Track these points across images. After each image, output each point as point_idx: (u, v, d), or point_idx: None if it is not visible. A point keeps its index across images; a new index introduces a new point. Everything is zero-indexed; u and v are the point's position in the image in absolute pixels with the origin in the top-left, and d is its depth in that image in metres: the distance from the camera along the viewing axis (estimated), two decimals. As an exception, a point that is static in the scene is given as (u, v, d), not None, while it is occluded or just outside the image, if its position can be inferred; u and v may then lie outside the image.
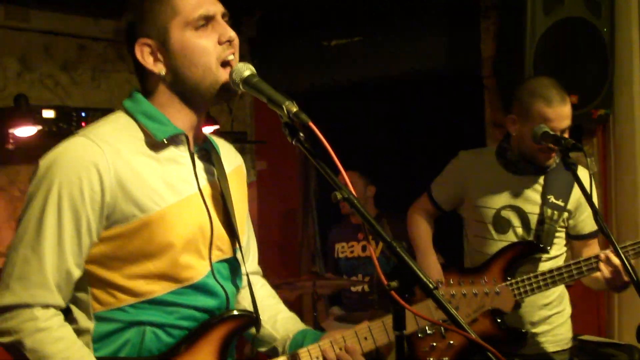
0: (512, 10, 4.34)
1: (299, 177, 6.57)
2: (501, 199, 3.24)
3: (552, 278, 3.06)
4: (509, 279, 3.06)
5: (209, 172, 2.05)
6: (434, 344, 3.08)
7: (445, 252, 4.26)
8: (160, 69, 1.93)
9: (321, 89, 5.99)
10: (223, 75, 1.92)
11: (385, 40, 5.40)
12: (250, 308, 2.09)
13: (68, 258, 1.83)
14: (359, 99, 6.23)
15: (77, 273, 1.86)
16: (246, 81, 1.86)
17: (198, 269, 1.96)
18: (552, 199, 3.20)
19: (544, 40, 4.12)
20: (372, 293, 5.23)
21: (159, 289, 1.91)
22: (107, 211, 1.85)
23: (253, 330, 2.09)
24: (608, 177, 4.52)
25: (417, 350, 3.10)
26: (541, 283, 3.06)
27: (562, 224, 3.25)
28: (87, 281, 1.90)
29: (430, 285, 1.58)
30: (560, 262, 3.25)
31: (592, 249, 3.32)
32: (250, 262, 2.29)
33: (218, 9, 1.95)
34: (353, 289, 5.56)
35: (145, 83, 2.00)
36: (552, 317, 3.29)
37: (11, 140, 4.41)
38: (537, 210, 3.21)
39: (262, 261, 2.37)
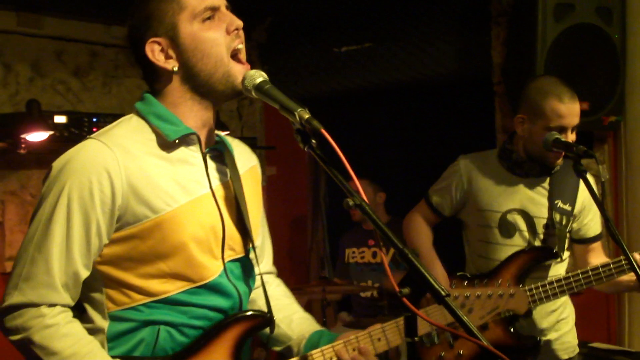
0: (522, 16, 4.34)
1: (308, 182, 6.58)
2: (507, 202, 3.21)
3: (578, 281, 3.02)
4: (520, 285, 3.04)
5: (221, 173, 2.06)
6: (442, 354, 3.04)
7: (445, 259, 4.24)
8: (172, 65, 1.95)
9: (331, 95, 6.00)
10: (234, 68, 1.94)
11: (395, 47, 5.40)
12: (264, 308, 2.09)
13: (76, 259, 1.85)
14: (369, 105, 6.23)
15: (85, 274, 1.88)
16: (258, 88, 1.87)
17: (211, 268, 1.97)
18: (559, 203, 3.18)
19: (555, 47, 4.12)
20: (382, 299, 5.23)
21: (173, 288, 1.93)
22: (119, 213, 1.87)
23: (267, 330, 2.09)
24: (619, 184, 4.51)
25: None
26: (565, 287, 3.01)
27: (569, 228, 3.24)
28: (102, 281, 1.92)
29: (443, 292, 1.57)
30: (565, 266, 3.24)
31: (597, 252, 3.31)
32: (265, 262, 2.30)
33: (221, 0, 1.98)
34: (363, 294, 5.57)
35: (156, 84, 2.02)
36: (560, 323, 3.26)
37: (23, 145, 4.43)
38: (543, 213, 3.19)
39: (270, 266, 2.38)
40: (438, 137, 5.77)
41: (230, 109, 6.06)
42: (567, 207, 3.19)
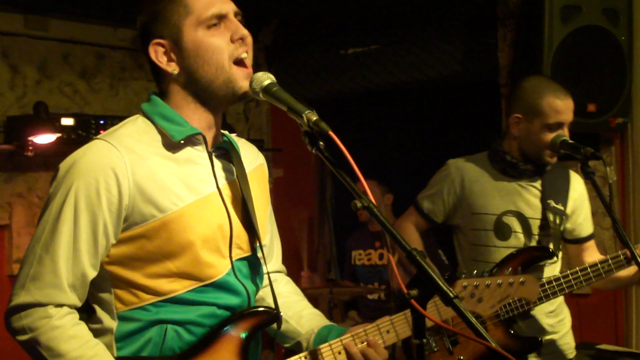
0: (529, 18, 4.34)
1: (315, 184, 6.58)
2: (502, 205, 3.19)
3: (586, 275, 3.01)
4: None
5: (227, 171, 2.06)
6: None
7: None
8: (173, 68, 1.96)
9: (338, 97, 6.00)
10: (236, 73, 1.94)
11: (402, 48, 5.40)
12: (272, 305, 2.09)
13: (83, 259, 1.86)
14: (375, 107, 6.23)
15: (92, 274, 1.89)
16: (266, 90, 1.87)
17: (219, 267, 1.97)
18: (552, 203, 3.18)
19: (562, 49, 4.11)
20: (389, 301, 5.22)
21: (180, 287, 1.93)
22: (126, 213, 1.87)
23: (274, 326, 2.08)
24: (626, 185, 4.50)
25: None
26: (573, 283, 3.01)
27: (562, 228, 3.24)
28: (110, 282, 1.93)
29: (451, 294, 1.57)
30: (558, 267, 3.23)
31: (592, 251, 3.32)
32: (274, 261, 2.31)
33: (230, 8, 1.97)
34: (370, 296, 5.57)
35: (161, 84, 2.02)
36: (558, 325, 3.24)
37: (30, 148, 4.45)
38: (537, 215, 3.18)
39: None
40: (444, 138, 5.77)
41: (237, 111, 6.07)
42: (560, 207, 3.20)
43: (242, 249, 2.05)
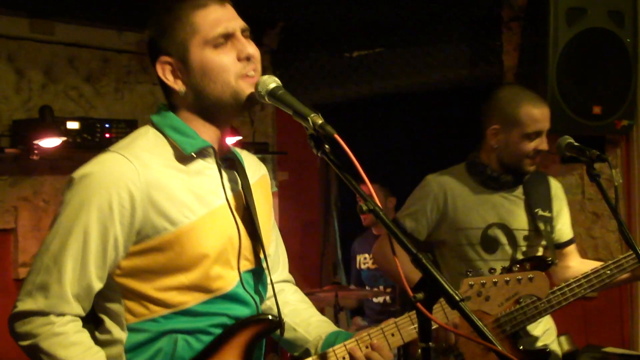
0: (534, 21, 4.34)
1: (320, 187, 6.58)
2: (486, 218, 3.15)
3: (592, 281, 2.99)
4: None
5: (233, 182, 2.06)
6: None
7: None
8: (180, 86, 1.96)
9: (343, 100, 6.00)
10: (242, 85, 1.93)
11: (406, 52, 5.40)
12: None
13: (91, 272, 1.87)
14: (380, 110, 6.23)
15: (98, 286, 1.90)
16: (271, 93, 1.87)
17: (228, 279, 1.98)
18: (539, 212, 3.17)
19: (567, 51, 4.11)
20: (394, 304, 5.22)
21: (191, 299, 1.94)
22: (138, 226, 1.88)
23: (278, 332, 2.08)
24: (632, 188, 4.49)
25: None
26: (575, 291, 2.99)
27: (553, 234, 3.23)
28: (121, 293, 1.93)
29: (457, 297, 1.57)
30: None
31: (574, 255, 3.32)
32: (281, 271, 2.31)
33: (237, 25, 1.96)
34: (375, 299, 5.57)
35: (169, 99, 2.03)
36: (546, 334, 3.21)
37: (36, 151, 4.45)
38: (522, 225, 3.16)
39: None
40: (449, 142, 5.76)
41: (241, 114, 6.06)
42: (547, 214, 3.19)
43: (249, 260, 2.05)
